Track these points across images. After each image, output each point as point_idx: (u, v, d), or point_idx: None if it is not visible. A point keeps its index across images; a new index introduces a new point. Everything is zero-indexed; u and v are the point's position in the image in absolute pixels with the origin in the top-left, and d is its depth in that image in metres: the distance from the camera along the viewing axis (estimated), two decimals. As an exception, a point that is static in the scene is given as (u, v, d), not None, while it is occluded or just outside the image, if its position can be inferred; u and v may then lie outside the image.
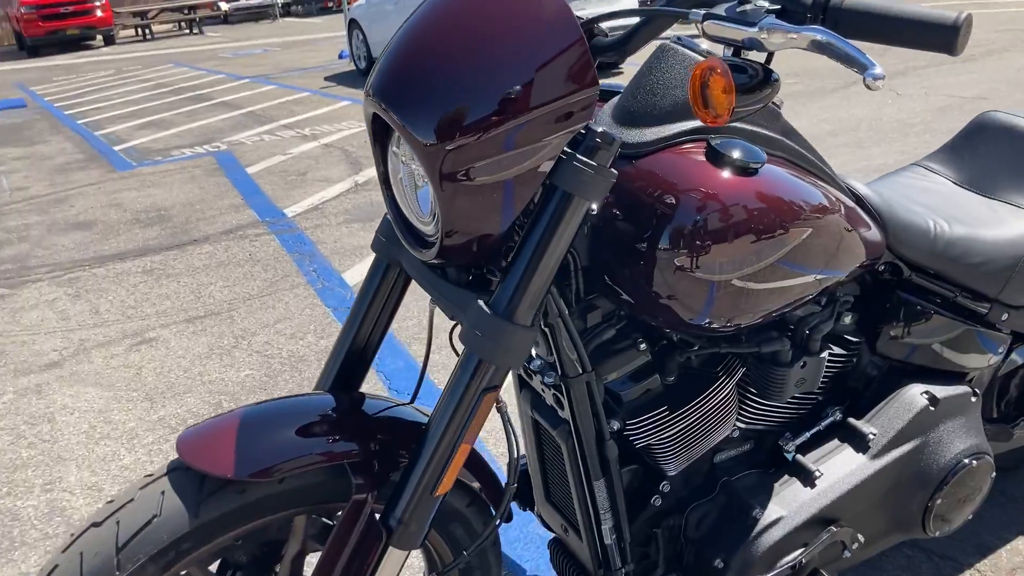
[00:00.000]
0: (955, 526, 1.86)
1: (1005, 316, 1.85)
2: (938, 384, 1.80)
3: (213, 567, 1.44)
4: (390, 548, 1.30)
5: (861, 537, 1.74)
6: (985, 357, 1.86)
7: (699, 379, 1.56)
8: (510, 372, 1.29)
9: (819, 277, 1.49)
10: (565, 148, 1.19)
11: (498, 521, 1.43)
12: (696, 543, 1.68)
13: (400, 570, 1.33)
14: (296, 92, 10.77)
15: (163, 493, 1.25)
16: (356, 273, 4.32)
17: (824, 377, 1.74)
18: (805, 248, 1.43)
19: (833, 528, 1.67)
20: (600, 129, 1.19)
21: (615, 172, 1.21)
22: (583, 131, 1.19)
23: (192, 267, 4.65)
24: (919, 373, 1.83)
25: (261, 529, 1.41)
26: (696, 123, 1.37)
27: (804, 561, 1.64)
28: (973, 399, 1.83)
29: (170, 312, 4.07)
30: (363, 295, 1.51)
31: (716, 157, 1.34)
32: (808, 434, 1.74)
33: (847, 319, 1.73)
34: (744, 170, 1.34)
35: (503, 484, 1.48)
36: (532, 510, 1.86)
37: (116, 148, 8.14)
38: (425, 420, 1.40)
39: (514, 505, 2.05)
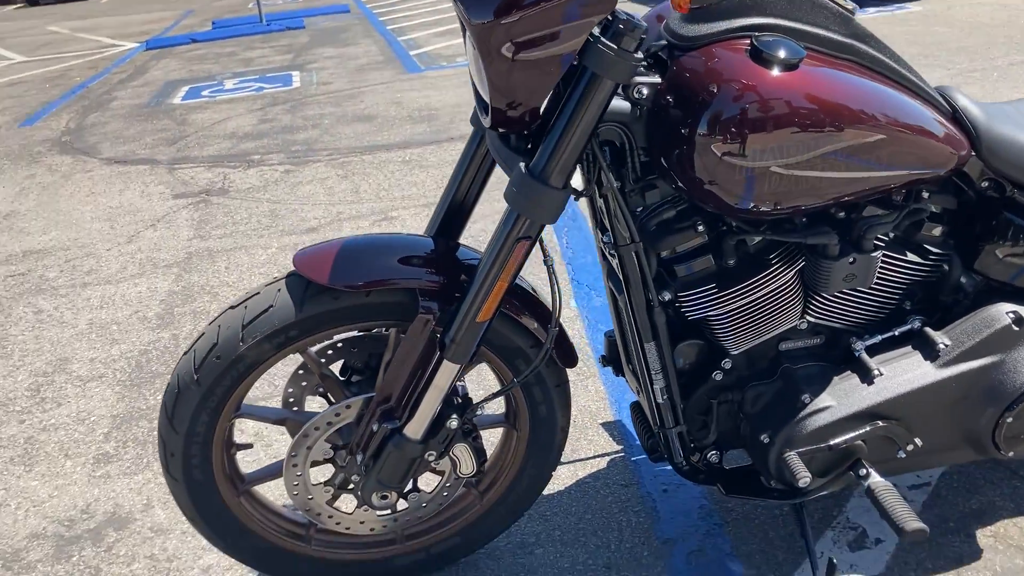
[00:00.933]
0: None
1: None
2: None
3: (335, 368, 1.82)
4: (444, 361, 1.60)
5: (919, 441, 1.80)
6: None
7: (754, 264, 1.69)
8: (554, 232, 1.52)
9: (883, 174, 1.56)
10: (593, 32, 1.38)
11: (545, 354, 1.68)
12: (749, 419, 1.83)
13: (451, 382, 1.63)
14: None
15: (279, 291, 1.64)
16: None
17: (905, 284, 1.80)
18: (859, 144, 1.51)
19: (881, 423, 1.75)
20: (624, 16, 1.37)
21: (638, 56, 1.39)
22: (609, 17, 1.38)
23: (443, 160, 5.15)
24: (1019, 295, 1.82)
25: (361, 338, 1.77)
26: (745, 20, 1.50)
27: (847, 447, 1.74)
28: None
29: (414, 197, 4.58)
30: (462, 159, 1.79)
31: (756, 53, 1.46)
32: (880, 337, 1.81)
33: (934, 230, 1.77)
34: (785, 65, 1.46)
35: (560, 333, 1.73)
36: (624, 375, 2.08)
37: (412, 53, 8.90)
38: None
39: (608, 370, 2.30)
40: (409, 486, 1.83)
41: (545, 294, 1.81)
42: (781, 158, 1.48)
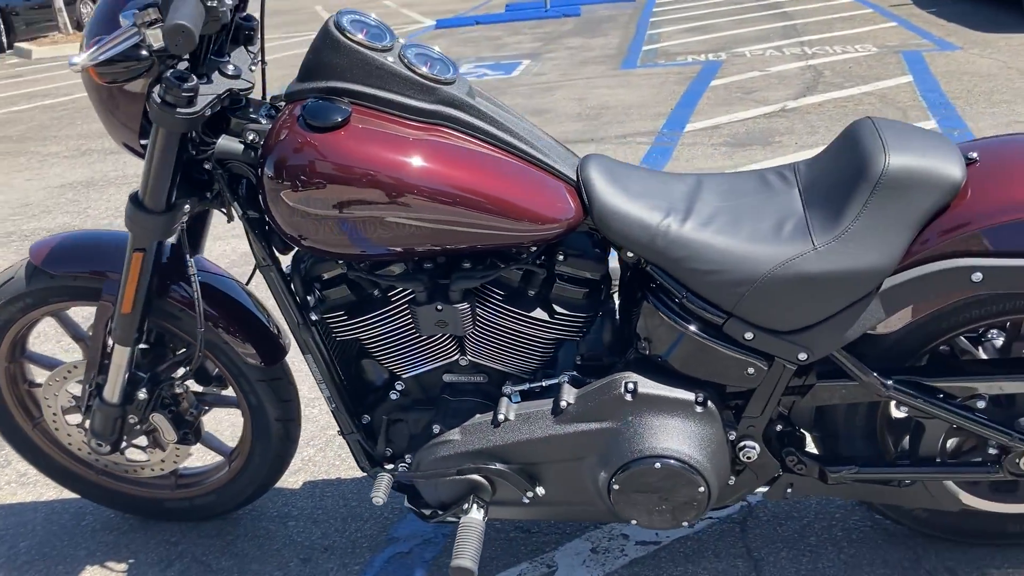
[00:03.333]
0: (654, 523, 1.84)
1: (750, 335, 1.71)
2: (663, 381, 1.78)
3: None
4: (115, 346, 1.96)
5: (541, 491, 1.87)
6: (728, 374, 1.75)
7: (378, 300, 1.86)
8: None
9: (463, 230, 1.66)
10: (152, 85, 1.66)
11: (197, 356, 1.98)
12: (407, 439, 2.00)
13: (127, 360, 1.98)
14: (862, 7, 10.40)
15: (22, 267, 2.08)
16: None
17: (547, 339, 1.85)
18: (417, 202, 1.64)
19: (499, 465, 1.84)
20: (176, 74, 1.63)
21: (188, 110, 1.64)
22: (169, 72, 1.64)
23: (562, 160, 5.34)
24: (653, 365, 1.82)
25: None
26: (326, 83, 1.68)
27: (471, 482, 1.86)
28: (699, 408, 1.76)
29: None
30: None
31: (304, 113, 1.65)
32: (528, 386, 1.89)
33: (569, 291, 1.81)
34: (326, 126, 1.63)
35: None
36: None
37: (644, 48, 9.00)
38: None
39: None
40: (150, 442, 2.21)
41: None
42: (326, 209, 1.65)
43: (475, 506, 1.86)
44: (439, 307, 1.78)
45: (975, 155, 1.72)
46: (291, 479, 2.51)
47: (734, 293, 1.69)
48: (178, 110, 1.64)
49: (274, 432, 2.17)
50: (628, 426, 1.79)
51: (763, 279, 1.67)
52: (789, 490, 1.92)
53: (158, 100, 1.64)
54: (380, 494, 1.87)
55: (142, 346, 2.05)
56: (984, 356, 1.91)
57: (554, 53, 9.14)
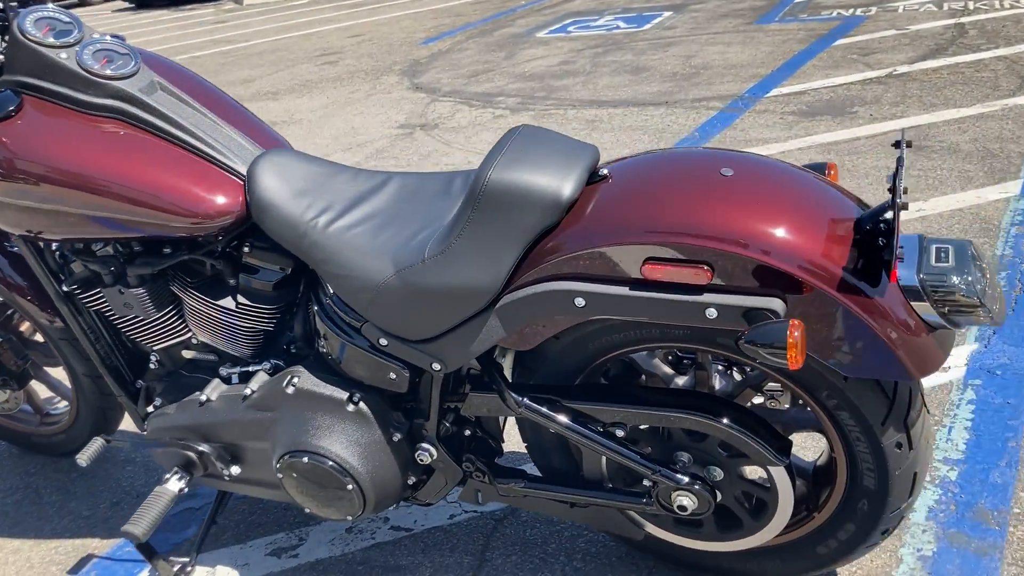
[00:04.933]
0: (322, 513, 1.89)
1: (384, 341, 1.71)
2: (323, 378, 1.82)
3: None
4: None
5: (236, 469, 1.97)
6: (375, 376, 1.76)
7: (100, 277, 2.00)
8: None
9: (122, 217, 1.77)
10: None
11: None
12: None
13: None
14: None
15: None
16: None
17: (247, 327, 1.93)
18: (75, 190, 1.76)
19: (202, 443, 1.96)
20: None
21: None
22: None
23: (630, 125, 5.21)
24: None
25: None
26: (10, 76, 1.82)
27: (185, 455, 1.99)
28: (351, 407, 1.78)
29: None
30: None
31: None
32: (239, 369, 1.99)
33: (257, 282, 1.87)
34: None
35: None
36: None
37: (791, 1, 8.42)
38: None
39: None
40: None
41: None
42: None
43: (175, 478, 1.99)
44: (121, 290, 1.89)
45: (606, 172, 1.60)
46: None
47: (363, 298, 1.69)
48: None
49: (86, 386, 2.38)
50: (288, 418, 1.84)
51: (381, 287, 1.66)
52: (480, 495, 1.90)
53: None
54: (84, 457, 2.04)
55: None
56: (657, 383, 1.81)
57: (701, 5, 8.75)
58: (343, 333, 1.76)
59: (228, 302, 1.89)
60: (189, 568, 2.11)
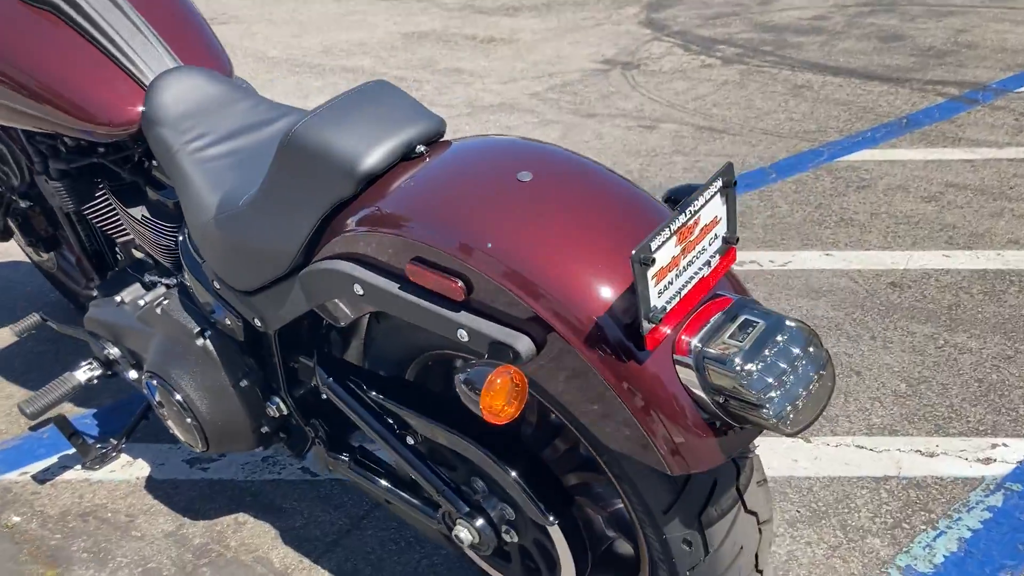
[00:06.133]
0: (183, 438, 1.91)
1: (218, 285, 1.68)
2: (187, 306, 1.81)
3: None
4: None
5: (133, 373, 2.02)
6: (215, 319, 1.73)
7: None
8: None
9: (33, 114, 1.84)
10: None
11: None
12: None
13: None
14: None
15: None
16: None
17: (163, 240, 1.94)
18: None
19: (109, 347, 2.05)
20: None
21: None
22: None
23: (830, 98, 4.66)
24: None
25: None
26: None
27: (95, 346, 2.08)
28: (199, 342, 1.77)
29: (739, 125, 4.44)
30: None
31: None
32: (156, 277, 2.02)
33: (153, 192, 1.88)
34: None
35: None
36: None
37: None
38: None
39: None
40: None
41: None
42: None
43: (85, 368, 2.07)
44: (47, 180, 1.96)
45: (423, 149, 1.40)
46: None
47: (197, 234, 1.64)
48: None
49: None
50: (156, 339, 1.87)
51: (207, 226, 1.60)
52: (329, 462, 1.81)
53: None
54: (18, 329, 2.18)
55: None
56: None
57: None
58: (193, 267, 1.72)
59: (138, 211, 1.91)
60: (112, 453, 2.21)
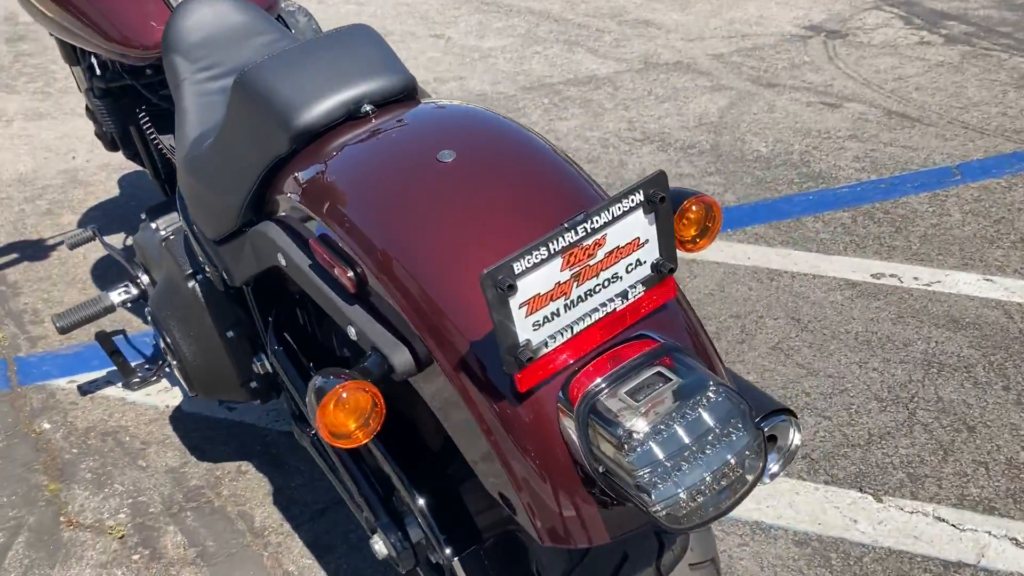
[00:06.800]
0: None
1: (195, 228, 1.59)
2: (189, 248, 1.74)
3: None
4: None
5: None
6: (200, 262, 1.65)
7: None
8: None
9: (73, 29, 1.82)
10: None
11: None
12: None
13: None
14: None
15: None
16: None
17: None
18: None
19: (141, 274, 2.03)
20: None
21: None
22: None
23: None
24: None
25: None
26: None
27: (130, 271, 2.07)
28: (190, 283, 1.72)
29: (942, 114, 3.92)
30: None
31: None
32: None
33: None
34: None
35: None
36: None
37: None
38: None
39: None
40: None
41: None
42: None
43: (119, 291, 2.05)
44: (93, 96, 1.93)
45: (370, 109, 1.22)
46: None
47: (178, 171, 1.55)
48: None
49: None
50: (162, 274, 1.80)
51: (180, 163, 1.50)
52: (296, 431, 1.70)
53: None
54: (70, 243, 2.19)
55: None
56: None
57: None
58: (182, 207, 1.63)
59: (167, 139, 1.85)
60: (152, 377, 2.20)
